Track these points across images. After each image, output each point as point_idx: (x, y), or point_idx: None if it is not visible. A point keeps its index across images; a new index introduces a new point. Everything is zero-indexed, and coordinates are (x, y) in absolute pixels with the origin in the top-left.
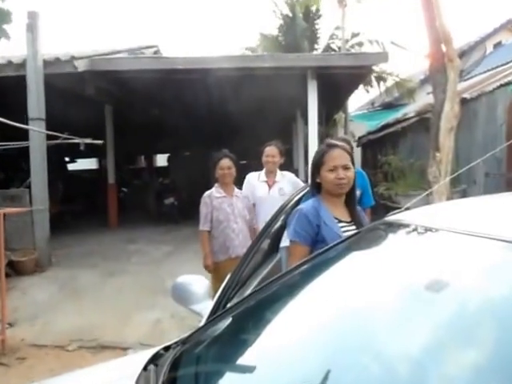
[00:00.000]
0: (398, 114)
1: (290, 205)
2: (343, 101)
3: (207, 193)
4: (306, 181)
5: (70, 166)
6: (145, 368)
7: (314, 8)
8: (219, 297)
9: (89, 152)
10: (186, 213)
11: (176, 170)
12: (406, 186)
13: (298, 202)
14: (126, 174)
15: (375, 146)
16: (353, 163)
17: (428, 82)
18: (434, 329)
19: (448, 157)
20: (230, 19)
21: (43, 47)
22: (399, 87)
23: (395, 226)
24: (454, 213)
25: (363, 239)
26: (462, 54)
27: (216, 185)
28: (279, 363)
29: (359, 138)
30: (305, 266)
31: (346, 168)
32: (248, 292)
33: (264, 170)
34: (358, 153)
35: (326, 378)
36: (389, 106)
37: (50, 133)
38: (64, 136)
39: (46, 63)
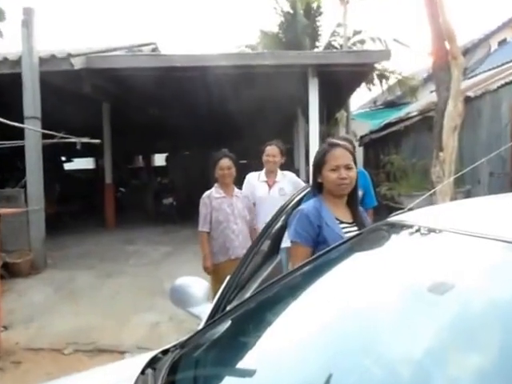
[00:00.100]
0: (401, 113)
1: (290, 205)
2: (345, 99)
3: (207, 193)
4: (306, 181)
5: (67, 166)
6: (142, 372)
7: (315, 5)
8: (218, 299)
9: (86, 151)
10: (184, 213)
11: (175, 169)
12: (409, 186)
13: (298, 203)
14: (124, 173)
15: (377, 146)
16: (355, 163)
17: (431, 80)
18: (438, 331)
19: (452, 156)
20: (230, 16)
21: (39, 44)
22: (402, 85)
23: (398, 227)
24: (457, 213)
25: (365, 240)
26: (466, 52)
27: (216, 185)
28: (280, 367)
29: (361, 138)
30: (306, 268)
31: (348, 168)
32: (248, 294)
33: (264, 170)
34: (359, 152)
35: (328, 382)
36: (391, 105)
37: (46, 132)
38: (60, 135)
39: (42, 60)
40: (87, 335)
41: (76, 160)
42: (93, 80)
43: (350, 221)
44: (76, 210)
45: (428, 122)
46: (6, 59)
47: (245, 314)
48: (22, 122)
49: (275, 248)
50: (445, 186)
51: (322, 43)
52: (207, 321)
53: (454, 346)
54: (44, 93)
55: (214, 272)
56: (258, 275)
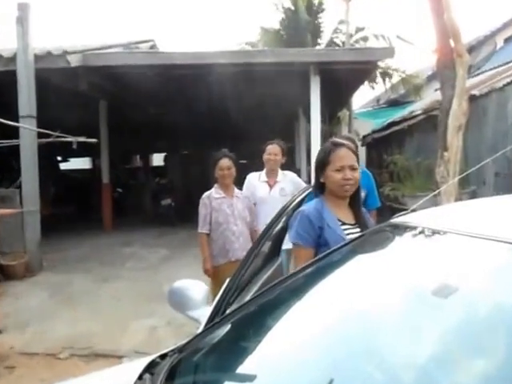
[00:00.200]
0: (405, 112)
1: (291, 206)
2: (347, 98)
3: (206, 194)
4: (308, 181)
5: (63, 166)
6: (140, 377)
7: (316, 1)
8: (218, 302)
9: (82, 151)
10: (183, 215)
11: (173, 169)
12: (413, 187)
13: (300, 204)
14: (121, 173)
15: (380, 145)
16: (358, 163)
17: (435, 78)
18: (442, 335)
19: (456, 156)
20: (230, 12)
21: (34, 41)
22: (405, 84)
23: (401, 229)
24: (462, 215)
25: (368, 242)
26: (471, 49)
27: (215, 185)
28: (281, 372)
29: (364, 137)
30: (307, 270)
31: (352, 168)
32: (248, 297)
33: (265, 170)
34: (362, 152)
35: None
36: (395, 104)
37: (42, 131)
38: (56, 134)
39: (37, 58)
40: (83, 340)
41: (72, 160)
42: (89, 78)
43: (353, 222)
44: (72, 211)
45: (432, 121)
46: (0, 56)
47: (245, 318)
48: (17, 121)
49: (276, 250)
50: (449, 186)
51: (323, 40)
52: (206, 324)
53: (458, 350)
54: (39, 91)
55: (214, 275)
56: (259, 278)
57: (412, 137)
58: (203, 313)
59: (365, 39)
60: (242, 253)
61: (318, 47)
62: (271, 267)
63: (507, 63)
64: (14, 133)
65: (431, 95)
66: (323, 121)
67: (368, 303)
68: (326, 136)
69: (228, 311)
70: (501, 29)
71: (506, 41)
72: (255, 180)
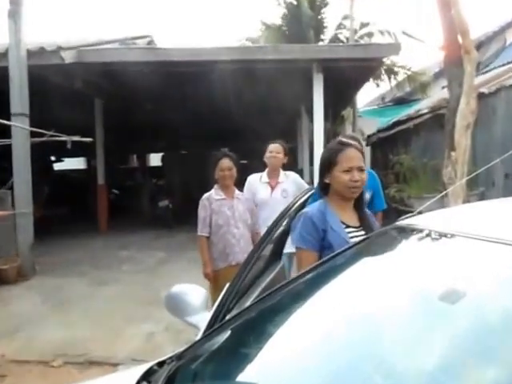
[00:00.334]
0: (411, 110)
1: (293, 208)
2: (351, 96)
3: (206, 195)
4: (310, 182)
5: (57, 166)
6: None
7: None
8: (217, 308)
9: (77, 150)
10: (181, 217)
11: (171, 170)
12: (419, 188)
13: (302, 205)
14: (117, 174)
15: (385, 145)
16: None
17: (443, 75)
18: (450, 342)
19: (464, 156)
20: (229, 7)
21: (27, 36)
22: (411, 81)
23: (407, 231)
24: (470, 217)
25: (373, 245)
26: (480, 45)
27: (215, 186)
28: (282, 381)
29: (368, 136)
30: (309, 275)
31: (360, 170)
32: (249, 302)
33: (266, 171)
34: (367, 152)
35: None
36: (400, 102)
37: (35, 129)
38: (49, 133)
39: (30, 53)
40: (78, 346)
41: (66, 160)
42: (84, 75)
43: (357, 225)
44: (66, 212)
45: (439, 119)
46: None
47: (245, 324)
48: (9, 119)
49: (277, 253)
50: (457, 187)
51: (327, 36)
52: (205, 331)
53: (466, 357)
54: (32, 88)
55: (214, 279)
56: (260, 282)
57: (418, 136)
58: (202, 318)
59: (370, 35)
60: (242, 256)
61: (321, 43)
62: (273, 271)
63: None
64: (5, 132)
65: (438, 93)
66: (326, 119)
67: (373, 309)
68: (329, 135)
69: (228, 317)
70: (511, 24)
71: None
72: (256, 181)
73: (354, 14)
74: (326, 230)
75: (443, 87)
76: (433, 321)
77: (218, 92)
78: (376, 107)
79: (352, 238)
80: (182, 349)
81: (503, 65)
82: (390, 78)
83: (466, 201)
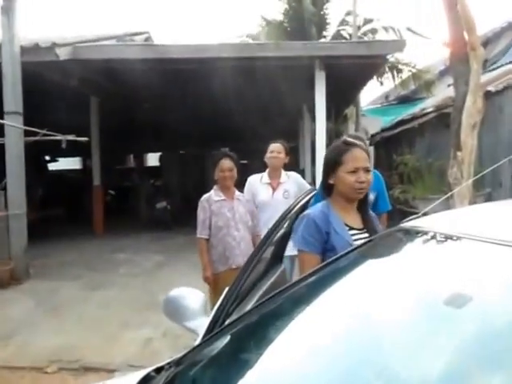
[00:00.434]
0: (415, 109)
1: (295, 209)
2: (354, 94)
3: (205, 196)
4: (312, 183)
5: (51, 166)
6: None
7: None
8: (217, 312)
9: (72, 150)
10: (179, 218)
11: (169, 170)
12: (424, 189)
13: (304, 207)
14: (114, 174)
15: (389, 145)
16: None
17: (448, 73)
18: (456, 348)
19: (470, 156)
20: (229, 2)
21: (21, 32)
22: (416, 79)
23: (412, 234)
24: (477, 219)
25: (377, 248)
26: (487, 42)
27: (215, 187)
28: None
29: (372, 136)
30: (311, 278)
31: (366, 171)
32: (249, 307)
33: (267, 171)
34: (370, 152)
35: None
36: (405, 100)
37: (28, 128)
38: (44, 132)
39: (24, 50)
40: (73, 352)
41: (61, 160)
42: (80, 72)
43: (361, 227)
44: (61, 214)
45: (445, 118)
46: None
47: (245, 329)
48: (2, 118)
49: (278, 256)
50: (463, 188)
51: (329, 33)
52: (204, 336)
53: (472, 364)
54: (26, 86)
55: (214, 283)
56: (260, 286)
57: (423, 136)
58: (201, 323)
59: (373, 32)
60: (243, 259)
61: (323, 40)
62: (273, 275)
63: None
64: None
65: (443, 91)
66: (329, 118)
67: (376, 314)
68: (331, 135)
69: (227, 322)
70: None
71: None
72: (257, 182)
73: (358, 10)
74: (329, 233)
75: (449, 85)
76: (438, 326)
77: (217, 90)
78: (380, 106)
79: (355, 240)
80: (180, 354)
81: (511, 62)
82: (394, 76)
83: (473, 202)
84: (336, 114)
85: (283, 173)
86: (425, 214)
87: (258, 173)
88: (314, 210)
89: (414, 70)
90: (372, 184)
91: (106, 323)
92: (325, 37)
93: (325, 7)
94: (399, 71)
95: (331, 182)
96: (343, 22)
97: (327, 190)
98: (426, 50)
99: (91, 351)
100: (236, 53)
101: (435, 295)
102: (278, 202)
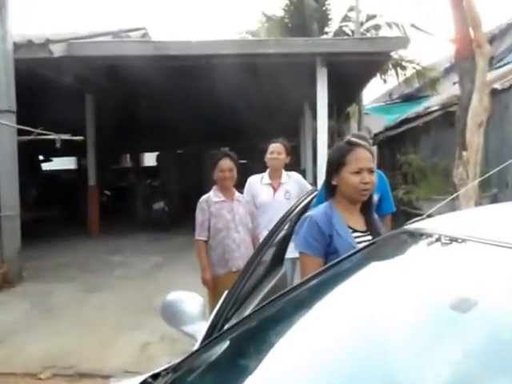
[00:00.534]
0: (420, 108)
1: (296, 211)
2: (357, 92)
3: (204, 197)
4: (314, 183)
5: (45, 166)
6: None
7: None
8: (215, 317)
9: (66, 150)
10: (177, 219)
11: (167, 170)
12: (429, 190)
13: (305, 208)
14: (110, 174)
15: (393, 144)
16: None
17: (453, 70)
18: (462, 354)
19: (476, 156)
20: None
21: (14, 28)
22: (420, 77)
23: (416, 236)
24: (483, 220)
25: (380, 251)
26: (493, 39)
27: (214, 187)
28: None
29: (375, 135)
30: (313, 281)
31: (370, 171)
32: (248, 311)
33: (268, 171)
34: (374, 151)
35: None
36: (409, 98)
37: (22, 127)
38: (38, 131)
39: (17, 46)
40: (67, 357)
41: (56, 159)
42: (75, 69)
43: (364, 229)
44: (55, 215)
45: (450, 117)
46: None
47: (245, 334)
48: None
49: (279, 259)
50: (469, 189)
51: (331, 29)
52: (203, 341)
53: (477, 370)
54: (19, 83)
55: (213, 286)
56: (260, 289)
57: (428, 135)
58: (199, 328)
59: (377, 28)
60: (243, 262)
61: (325, 36)
62: (274, 278)
63: None
64: None
65: (449, 89)
66: (331, 117)
67: (379, 318)
68: (333, 133)
69: (226, 326)
70: None
71: None
72: (257, 183)
73: (360, 6)
74: (332, 235)
75: (454, 83)
76: (443, 331)
77: (216, 88)
78: (383, 104)
79: (359, 243)
80: (177, 360)
81: None
82: (397, 74)
83: (479, 203)
84: (338, 112)
85: (284, 173)
86: (429, 216)
87: (258, 173)
88: (317, 212)
89: (418, 68)
90: (376, 185)
91: (102, 327)
92: (327, 33)
93: (327, 3)
94: (403, 68)
95: (334, 182)
96: (345, 18)
97: (330, 191)
98: (431, 46)
99: (86, 356)
100: (235, 49)
101: (440, 299)
102: (280, 203)
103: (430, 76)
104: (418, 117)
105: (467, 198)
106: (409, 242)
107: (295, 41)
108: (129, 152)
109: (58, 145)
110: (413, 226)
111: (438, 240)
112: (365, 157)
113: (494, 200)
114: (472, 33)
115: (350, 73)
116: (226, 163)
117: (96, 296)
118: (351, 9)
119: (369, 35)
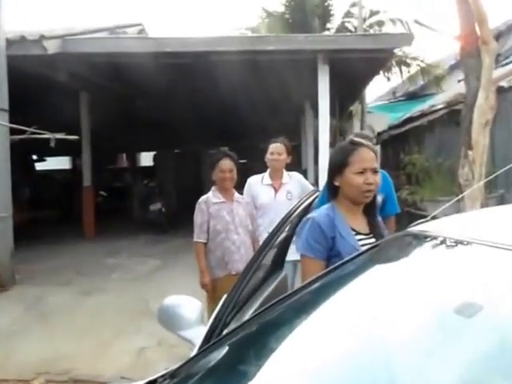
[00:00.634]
0: (424, 106)
1: (297, 212)
2: (360, 90)
3: (203, 198)
4: (315, 183)
5: (39, 166)
6: None
7: None
8: (214, 321)
9: (61, 149)
10: (175, 221)
11: (164, 170)
12: (433, 190)
13: (306, 209)
14: (105, 175)
15: (397, 143)
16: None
17: (459, 68)
18: (467, 359)
19: (482, 156)
20: None
21: (6, 24)
22: (425, 74)
23: (420, 238)
24: (489, 222)
25: (383, 254)
26: (499, 36)
27: (213, 188)
28: None
29: (378, 134)
30: (315, 285)
31: (374, 172)
32: (248, 315)
33: (268, 172)
34: (377, 151)
35: None
36: (413, 97)
37: (15, 126)
38: (31, 130)
39: (10, 43)
40: (61, 363)
41: (50, 159)
42: (69, 66)
43: (367, 231)
44: (50, 216)
45: (455, 116)
46: None
47: (244, 339)
48: None
49: (280, 261)
50: (474, 190)
51: (333, 25)
52: (201, 346)
53: (483, 376)
54: (12, 81)
55: (212, 289)
56: (260, 293)
57: (432, 134)
58: (197, 333)
59: (380, 24)
60: (243, 265)
61: (327, 33)
62: (274, 281)
63: None
64: None
65: (454, 87)
66: (333, 115)
67: (383, 322)
68: (335, 132)
69: (225, 331)
70: None
71: None
72: (257, 184)
73: (363, 2)
74: (335, 237)
75: (459, 81)
76: (448, 336)
77: (215, 85)
78: (387, 102)
79: (362, 245)
80: (175, 366)
81: None
82: (401, 71)
83: (484, 204)
84: (340, 110)
85: (285, 173)
86: (434, 218)
87: (258, 173)
88: (319, 214)
89: (422, 65)
90: (380, 186)
91: (98, 331)
92: (328, 29)
93: None
94: (407, 66)
95: (337, 183)
96: (348, 14)
97: (332, 192)
98: (436, 43)
99: (81, 362)
100: (235, 46)
101: (445, 303)
102: (281, 204)
103: (434, 73)
104: (422, 115)
105: (473, 199)
106: (413, 244)
107: (296, 37)
108: (125, 151)
109: (52, 144)
110: (417, 228)
111: (442, 243)
112: (368, 157)
113: (501, 201)
114: (478, 29)
115: (352, 70)
116: (226, 163)
117: (92, 299)
118: (354, 4)
119: (372, 31)
